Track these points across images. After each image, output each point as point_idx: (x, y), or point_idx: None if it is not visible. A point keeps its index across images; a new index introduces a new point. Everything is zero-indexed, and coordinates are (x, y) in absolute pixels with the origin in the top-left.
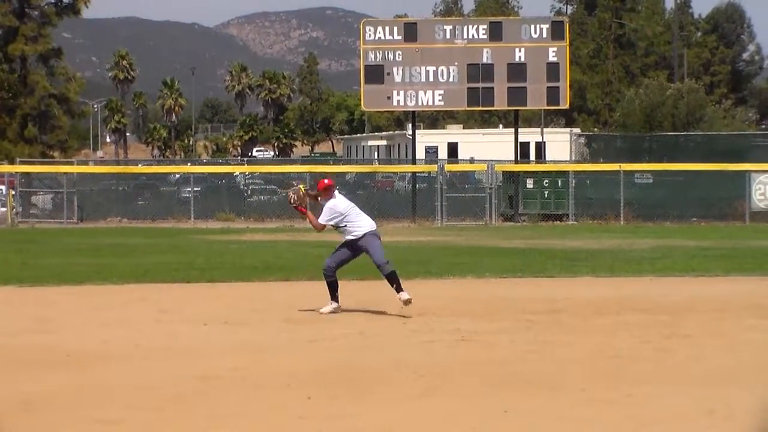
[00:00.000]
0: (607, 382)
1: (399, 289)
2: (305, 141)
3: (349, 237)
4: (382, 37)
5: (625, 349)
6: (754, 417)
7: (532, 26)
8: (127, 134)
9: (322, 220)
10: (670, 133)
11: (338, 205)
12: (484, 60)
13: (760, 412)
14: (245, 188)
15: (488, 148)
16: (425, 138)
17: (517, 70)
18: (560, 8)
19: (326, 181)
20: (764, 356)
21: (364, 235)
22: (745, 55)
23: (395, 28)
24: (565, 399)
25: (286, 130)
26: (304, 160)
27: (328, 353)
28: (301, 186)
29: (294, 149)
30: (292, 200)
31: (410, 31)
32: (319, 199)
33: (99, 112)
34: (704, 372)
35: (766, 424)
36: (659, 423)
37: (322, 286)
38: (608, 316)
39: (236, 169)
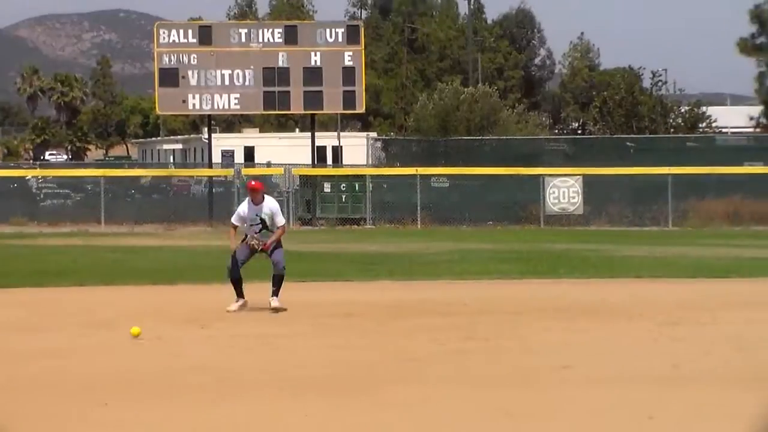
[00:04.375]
0: (405, 385)
1: (276, 293)
2: (99, 144)
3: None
4: (177, 40)
5: (422, 351)
6: (549, 418)
7: (327, 30)
8: None
9: (282, 221)
10: (465, 138)
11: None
12: (280, 63)
13: (552, 413)
14: (38, 192)
15: (285, 152)
16: (222, 142)
17: (313, 74)
18: (355, 12)
19: (254, 182)
20: (558, 358)
21: None
22: (536, 60)
23: (189, 31)
24: (364, 402)
25: (80, 134)
26: (98, 164)
27: (124, 358)
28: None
29: (88, 153)
30: (257, 247)
31: (205, 35)
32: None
33: None
34: (500, 374)
35: (554, 424)
36: (456, 425)
37: (118, 291)
38: (406, 319)
39: (28, 173)
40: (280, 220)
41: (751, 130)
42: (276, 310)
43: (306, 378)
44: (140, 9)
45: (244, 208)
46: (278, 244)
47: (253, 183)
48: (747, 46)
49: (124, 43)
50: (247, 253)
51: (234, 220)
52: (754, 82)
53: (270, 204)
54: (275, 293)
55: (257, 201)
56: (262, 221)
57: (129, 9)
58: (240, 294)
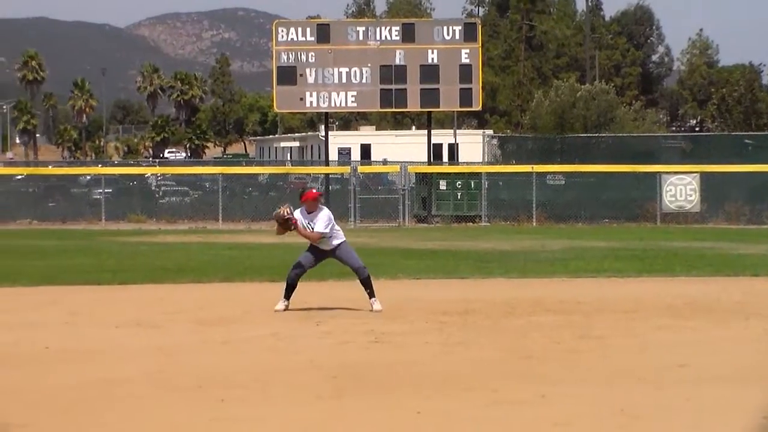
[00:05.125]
0: (520, 383)
1: (372, 295)
2: (217, 142)
3: (331, 245)
4: (295, 39)
5: (537, 349)
6: (665, 417)
7: (445, 28)
8: (37, 135)
9: (320, 228)
10: (581, 135)
11: (330, 213)
12: (397, 61)
13: (667, 411)
14: (157, 190)
15: (401, 149)
16: (338, 139)
17: (429, 72)
18: (472, 10)
19: (315, 190)
20: (673, 356)
21: (342, 242)
22: (654, 57)
23: (308, 30)
24: (478, 400)
25: (198, 132)
26: (217, 162)
27: (240, 355)
28: (286, 207)
29: (206, 150)
30: (286, 213)
31: (323, 33)
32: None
33: (8, 113)
34: (615, 372)
35: (669, 423)
36: (571, 423)
37: (235, 288)
38: (520, 317)
39: (148, 171)
40: (320, 227)
41: None
42: (378, 312)
43: (420, 375)
44: (259, 8)
45: (298, 214)
46: (344, 245)
47: (314, 191)
48: None
49: (243, 42)
50: (312, 260)
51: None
52: None
53: (323, 213)
54: (371, 295)
55: (311, 209)
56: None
57: (248, 7)
58: (288, 296)
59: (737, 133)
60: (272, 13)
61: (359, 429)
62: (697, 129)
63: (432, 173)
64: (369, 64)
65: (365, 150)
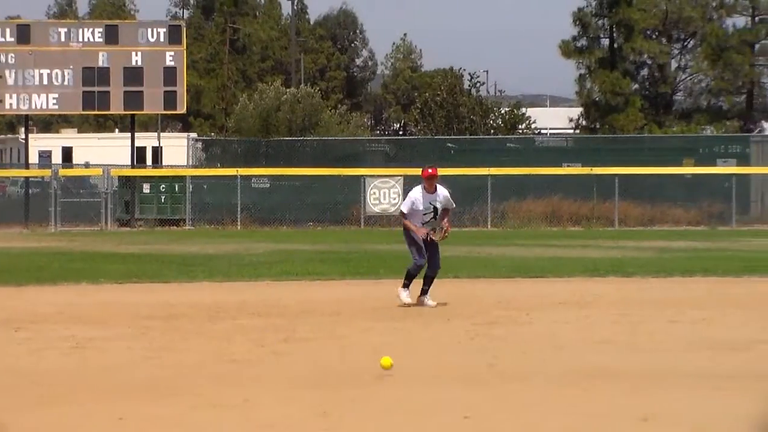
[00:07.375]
0: (224, 387)
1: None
2: None
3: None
4: None
5: (241, 353)
6: (366, 417)
7: (149, 30)
8: None
9: (453, 204)
10: (286, 138)
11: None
12: (100, 63)
13: (372, 413)
14: None
15: (104, 152)
16: (39, 142)
17: (133, 74)
18: (176, 12)
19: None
20: (377, 358)
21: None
22: (359, 61)
23: (7, 30)
24: (182, 404)
25: None
26: None
27: None
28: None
29: None
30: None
31: (23, 33)
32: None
33: None
34: (319, 374)
35: (372, 424)
36: (275, 425)
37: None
38: (225, 321)
39: None
40: (452, 204)
41: (570, 131)
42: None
43: (123, 381)
44: None
45: (417, 195)
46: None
47: (430, 170)
48: (568, 49)
49: None
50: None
51: (404, 208)
52: (575, 84)
53: (443, 191)
54: (427, 292)
55: (432, 189)
56: (435, 210)
57: None
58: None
59: (440, 136)
60: None
61: None
62: (400, 133)
63: (135, 176)
64: (71, 66)
65: (67, 153)
